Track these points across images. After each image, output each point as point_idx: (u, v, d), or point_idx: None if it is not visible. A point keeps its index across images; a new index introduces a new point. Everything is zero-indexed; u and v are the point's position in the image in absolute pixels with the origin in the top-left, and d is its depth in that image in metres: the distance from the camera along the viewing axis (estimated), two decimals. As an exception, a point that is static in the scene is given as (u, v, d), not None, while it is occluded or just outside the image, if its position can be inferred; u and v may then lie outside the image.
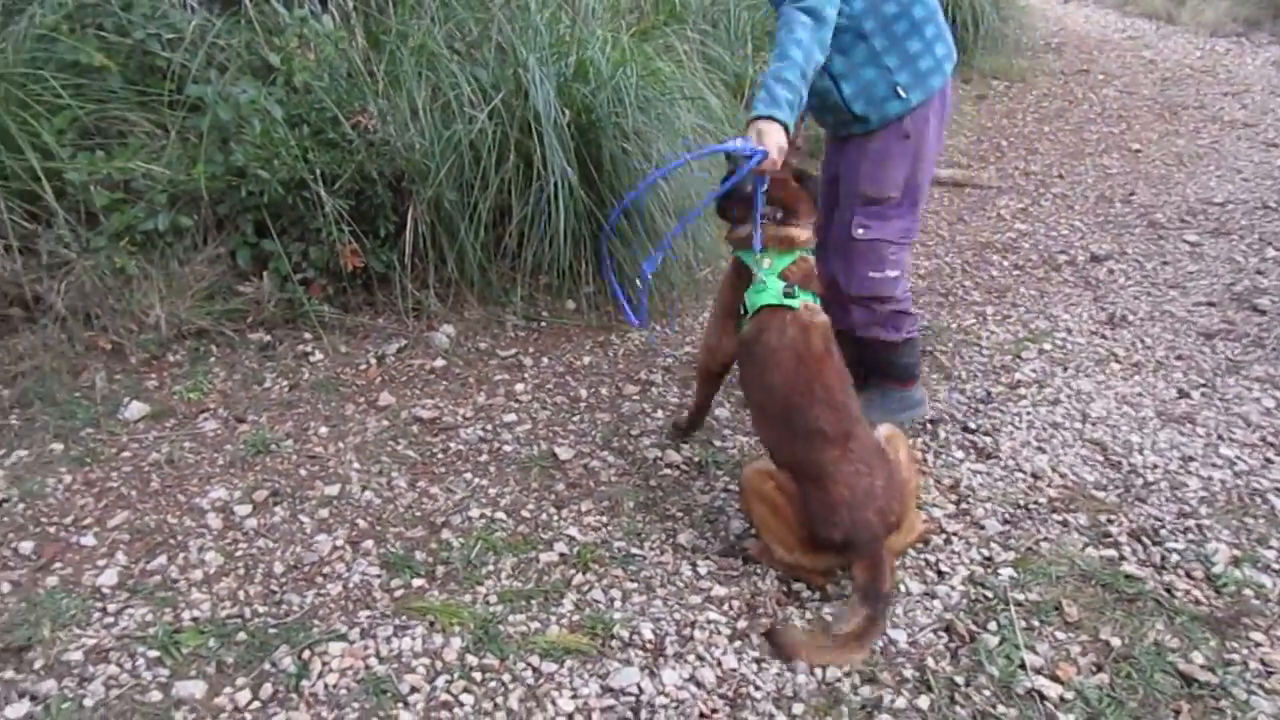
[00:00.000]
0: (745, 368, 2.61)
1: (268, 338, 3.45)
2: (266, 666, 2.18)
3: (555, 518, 2.71)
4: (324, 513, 2.68)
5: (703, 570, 2.53)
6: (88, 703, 2.07)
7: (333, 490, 2.77)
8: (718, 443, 3.07)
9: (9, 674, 2.14)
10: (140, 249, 3.42)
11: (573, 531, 2.65)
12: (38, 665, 2.16)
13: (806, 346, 2.46)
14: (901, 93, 2.69)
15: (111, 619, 2.30)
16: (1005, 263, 4.54)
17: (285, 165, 3.31)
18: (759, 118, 2.43)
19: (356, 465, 2.88)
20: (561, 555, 2.56)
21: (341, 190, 3.47)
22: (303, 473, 2.84)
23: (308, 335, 3.48)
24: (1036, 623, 2.33)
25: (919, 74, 2.69)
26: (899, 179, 2.79)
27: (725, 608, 2.40)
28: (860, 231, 2.83)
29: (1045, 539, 2.63)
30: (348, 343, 3.48)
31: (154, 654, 2.20)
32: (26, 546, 2.51)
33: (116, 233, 3.42)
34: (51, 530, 2.58)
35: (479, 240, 3.60)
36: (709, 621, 2.35)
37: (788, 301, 2.50)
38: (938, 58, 2.72)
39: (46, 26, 3.65)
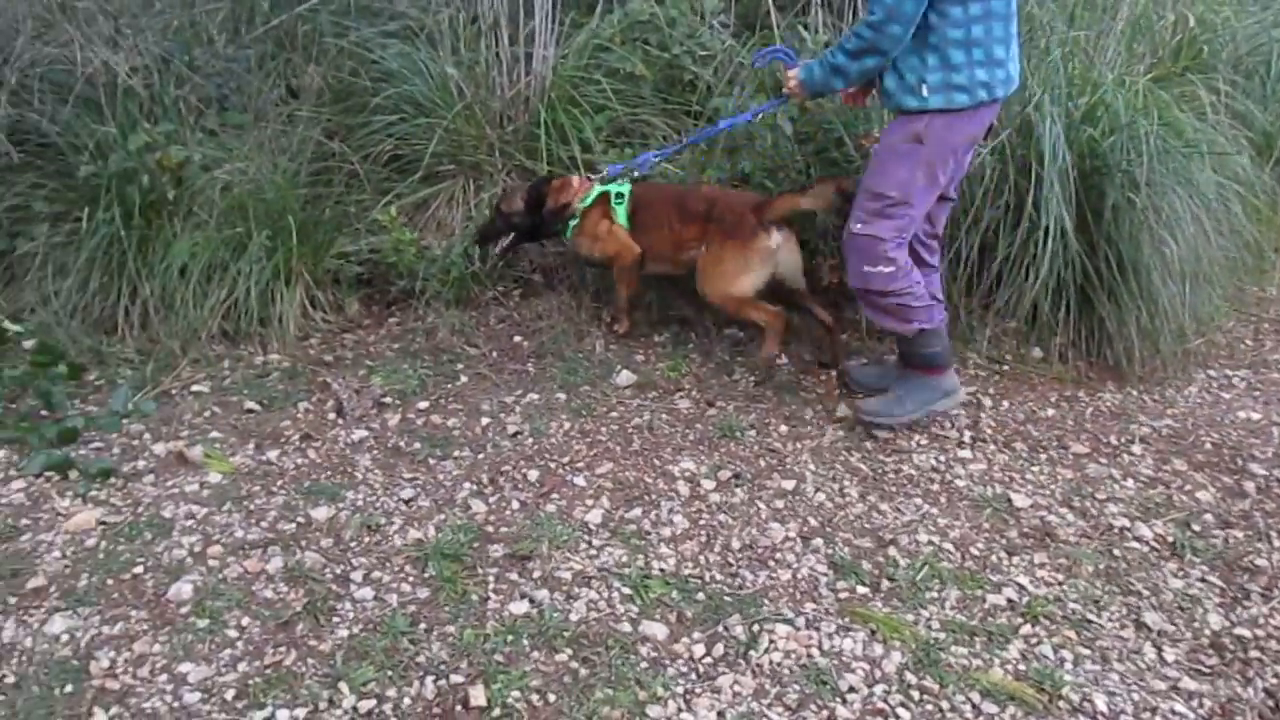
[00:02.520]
0: None
1: (740, 334, 3.71)
2: (720, 629, 2.36)
3: (1005, 562, 2.63)
4: (779, 504, 2.84)
5: (1169, 657, 2.32)
6: (573, 617, 2.38)
7: (788, 485, 2.91)
8: (1196, 526, 2.80)
9: (514, 575, 2.53)
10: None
11: (1023, 580, 2.56)
12: (535, 574, 2.53)
13: None
14: (924, 91, 2.78)
15: (595, 552, 2.62)
16: None
17: (789, 178, 3.54)
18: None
19: (812, 467, 3.01)
20: (1009, 601, 2.49)
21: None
22: (762, 463, 3.03)
23: (776, 338, 3.69)
24: None
25: (948, 83, 2.77)
26: (902, 179, 2.86)
27: (1194, 703, 2.19)
28: (858, 226, 2.93)
29: None
30: (812, 352, 3.63)
31: (626, 591, 2.47)
32: (532, 475, 2.94)
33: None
34: (552, 466, 2.99)
35: (956, 275, 3.58)
36: (1174, 713, 2.16)
37: None
38: (974, 79, 2.77)
39: (604, 39, 4.22)
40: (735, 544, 2.66)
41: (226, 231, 3.60)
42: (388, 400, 3.30)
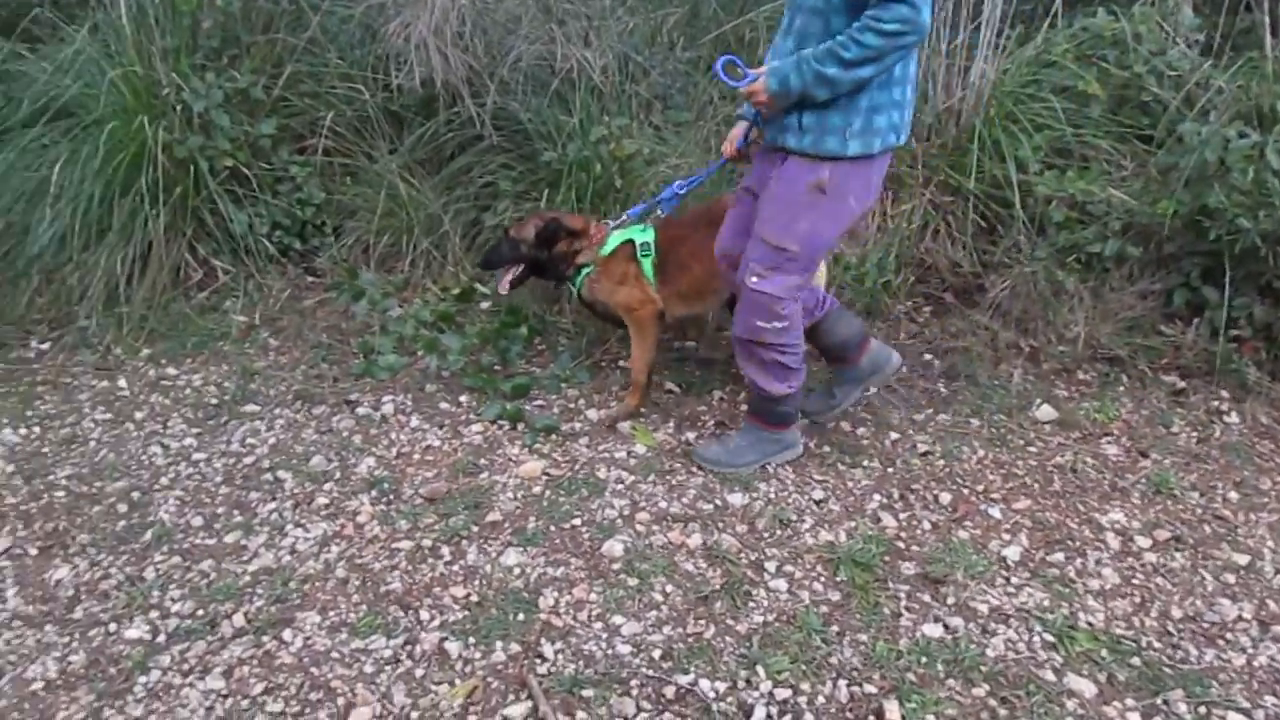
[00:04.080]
0: None
1: (1181, 383, 3.37)
2: (1158, 702, 2.16)
3: None
4: (1229, 578, 2.55)
5: None
6: (989, 653, 2.29)
7: (1240, 559, 2.61)
8: None
9: (926, 597, 2.48)
10: (1081, 268, 3.60)
11: None
12: (949, 600, 2.46)
13: None
14: (847, 135, 2.48)
15: (1013, 590, 2.50)
16: None
17: (1271, 218, 3.15)
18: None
19: (1271, 544, 2.67)
20: None
21: None
22: (1206, 529, 2.73)
23: (1224, 393, 3.31)
24: None
25: (870, 127, 2.49)
26: (804, 232, 2.61)
27: None
28: (754, 280, 2.68)
29: None
30: (1269, 413, 3.23)
31: (1049, 637, 2.34)
32: (944, 497, 2.86)
33: (1062, 248, 3.65)
34: (964, 491, 2.90)
35: None
36: None
37: None
38: (891, 121, 2.52)
39: (1056, 54, 4.00)
40: (1176, 613, 2.43)
41: (662, 221, 3.84)
42: (797, 400, 3.36)
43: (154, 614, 2.42)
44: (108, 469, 2.97)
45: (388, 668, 2.27)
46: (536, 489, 2.91)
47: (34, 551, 2.63)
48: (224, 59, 4.15)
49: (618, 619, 2.41)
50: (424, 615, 2.42)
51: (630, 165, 3.97)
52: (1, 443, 3.08)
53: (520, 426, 3.22)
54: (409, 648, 2.32)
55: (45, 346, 3.66)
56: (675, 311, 3.29)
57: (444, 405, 3.35)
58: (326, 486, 2.91)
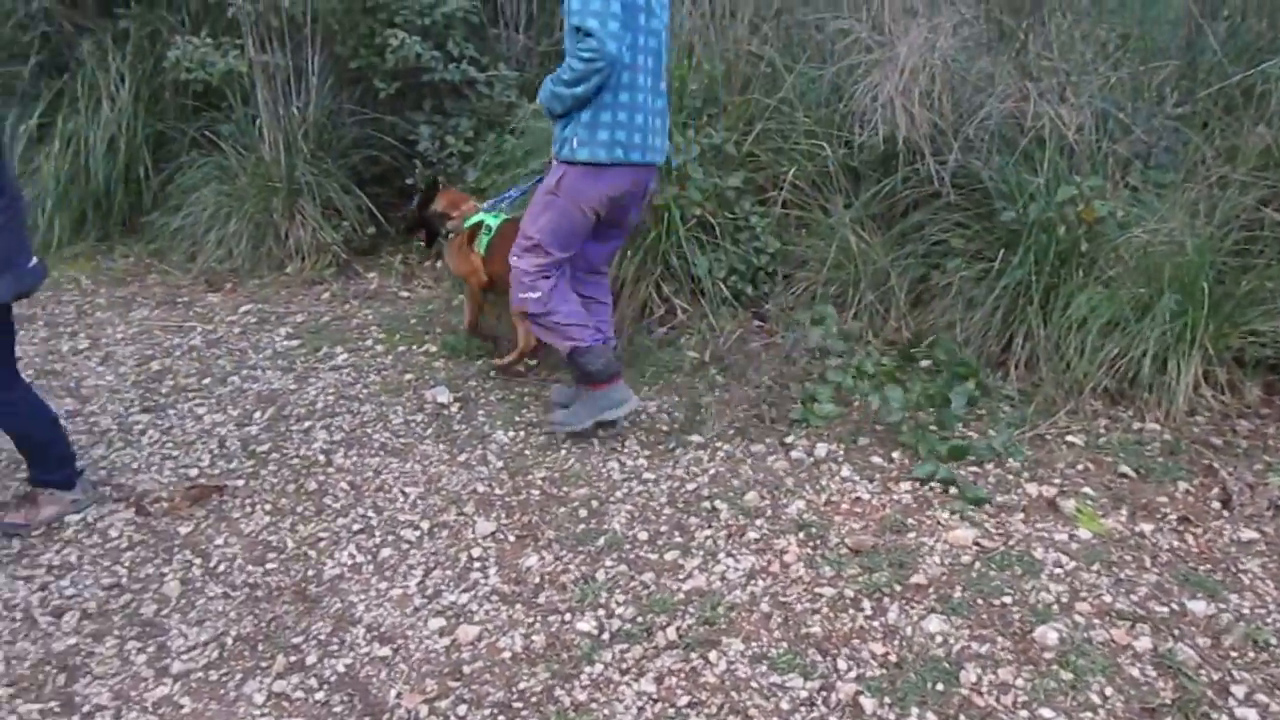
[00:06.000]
0: None
1: None
2: None
3: None
4: None
5: None
6: None
7: None
8: None
9: None
10: None
11: None
12: None
13: None
14: (574, 144, 3.18)
15: None
16: None
17: None
18: None
19: None
20: None
21: None
22: None
23: None
24: None
25: (593, 140, 3.16)
26: (541, 225, 3.31)
27: None
28: (513, 259, 3.41)
29: None
30: None
31: None
32: None
33: None
34: None
35: None
36: None
37: None
38: (614, 139, 3.17)
39: None
40: None
41: (1132, 290, 3.54)
42: None
43: (601, 612, 2.70)
44: (573, 476, 3.37)
45: (802, 708, 2.32)
46: (965, 558, 2.81)
47: (512, 539, 3.06)
48: (704, 118, 4.55)
49: (1046, 711, 2.25)
50: (841, 664, 2.45)
51: (1099, 229, 3.72)
52: (495, 441, 3.62)
53: (952, 490, 3.13)
54: (824, 694, 2.36)
55: (534, 362, 4.24)
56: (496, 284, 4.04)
57: (875, 459, 3.36)
58: (758, 522, 3.05)
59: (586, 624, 2.65)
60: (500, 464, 3.47)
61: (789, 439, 3.52)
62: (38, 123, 5.74)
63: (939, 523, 2.99)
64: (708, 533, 3.02)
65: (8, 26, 6.01)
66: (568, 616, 2.69)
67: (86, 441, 3.67)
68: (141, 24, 5.72)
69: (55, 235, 5.66)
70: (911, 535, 2.94)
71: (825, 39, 4.48)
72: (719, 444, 3.53)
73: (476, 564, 2.93)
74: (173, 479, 3.42)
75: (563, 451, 3.53)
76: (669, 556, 2.92)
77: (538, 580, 2.85)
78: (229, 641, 2.64)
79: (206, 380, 4.16)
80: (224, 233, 5.37)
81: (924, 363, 3.89)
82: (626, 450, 3.53)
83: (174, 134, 5.80)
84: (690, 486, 3.27)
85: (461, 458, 3.50)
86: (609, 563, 2.91)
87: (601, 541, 3.00)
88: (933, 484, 3.18)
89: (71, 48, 5.87)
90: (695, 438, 3.57)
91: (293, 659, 2.57)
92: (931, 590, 2.69)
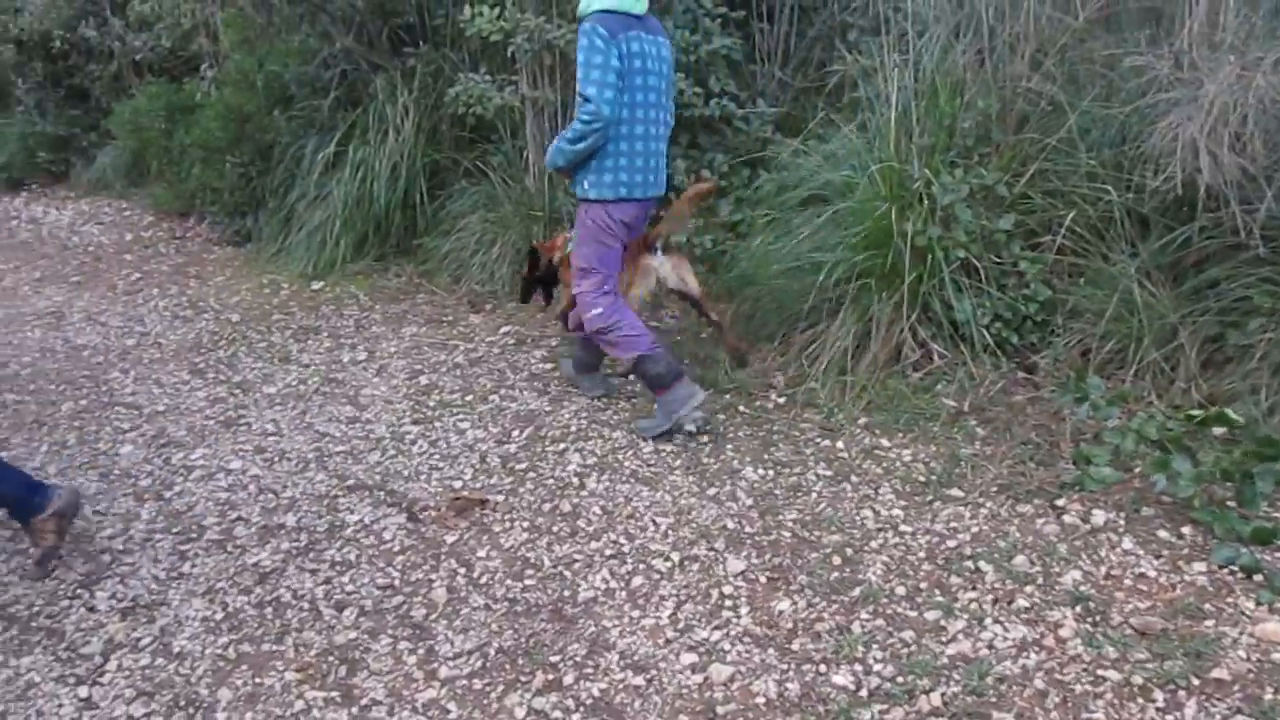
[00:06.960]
0: None
1: None
2: None
3: None
4: None
5: None
6: None
7: None
8: None
9: None
10: None
11: None
12: None
13: None
14: (585, 185, 3.76)
15: None
16: None
17: None
18: None
19: None
20: None
21: None
22: None
23: None
24: None
25: (600, 182, 3.73)
26: (586, 253, 3.86)
27: None
28: (575, 288, 3.94)
29: None
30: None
31: None
32: None
33: None
34: None
35: None
36: None
37: None
38: (618, 180, 3.73)
39: None
40: None
41: None
42: None
43: (858, 666, 2.60)
44: (825, 520, 3.28)
45: (1087, 802, 2.13)
46: (1276, 655, 2.50)
47: (763, 580, 3.00)
48: (975, 157, 4.36)
49: None
50: (1130, 759, 2.23)
51: None
52: (744, 478, 3.59)
53: (1257, 578, 2.80)
54: (1112, 789, 2.15)
55: (782, 400, 4.18)
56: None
57: (1162, 533, 3.07)
58: (1028, 589, 2.85)
59: (842, 678, 2.56)
60: (750, 501, 3.43)
61: (1059, 501, 3.28)
62: (334, 151, 6.31)
63: (1243, 612, 2.68)
64: (972, 595, 2.85)
65: (313, 65, 6.67)
66: (823, 667, 2.61)
67: (364, 447, 3.95)
68: (427, 62, 6.18)
69: (340, 253, 6.19)
70: (1209, 623, 2.65)
71: (1116, 76, 4.18)
72: (981, 500, 3.33)
73: (728, 602, 2.90)
74: (439, 489, 3.61)
75: (814, 495, 3.45)
76: (929, 615, 2.77)
77: (790, 626, 2.78)
78: (491, 652, 2.74)
79: (469, 397, 4.39)
80: (487, 257, 5.69)
81: (1217, 430, 3.52)
82: (880, 498, 3.40)
83: (448, 163, 6.22)
84: (951, 543, 3.10)
85: (711, 491, 3.50)
86: (865, 615, 2.80)
87: (857, 592, 2.90)
88: (1233, 569, 2.86)
89: (365, 84, 6.43)
90: (955, 491, 3.40)
91: (550, 677, 2.63)
92: (1236, 688, 2.40)
